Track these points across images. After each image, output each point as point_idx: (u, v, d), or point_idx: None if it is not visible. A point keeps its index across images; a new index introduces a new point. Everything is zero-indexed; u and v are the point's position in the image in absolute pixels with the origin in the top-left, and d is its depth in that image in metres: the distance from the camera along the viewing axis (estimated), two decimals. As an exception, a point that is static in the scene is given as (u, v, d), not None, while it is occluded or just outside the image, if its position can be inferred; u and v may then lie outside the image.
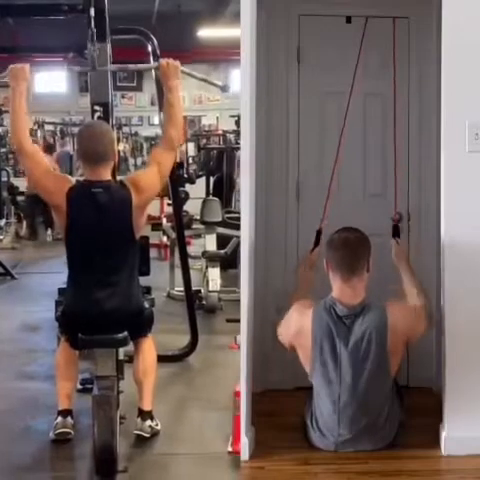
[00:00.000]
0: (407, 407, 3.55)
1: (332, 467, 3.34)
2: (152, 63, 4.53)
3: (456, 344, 3.38)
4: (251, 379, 3.41)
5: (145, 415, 3.63)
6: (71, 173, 11.21)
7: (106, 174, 3.41)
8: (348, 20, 4.12)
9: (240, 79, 3.33)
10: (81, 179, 3.48)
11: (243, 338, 3.36)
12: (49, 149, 12.46)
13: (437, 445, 3.43)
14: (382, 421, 3.41)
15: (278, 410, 3.66)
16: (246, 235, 3.37)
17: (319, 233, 3.79)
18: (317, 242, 3.78)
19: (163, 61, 3.58)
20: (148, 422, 3.62)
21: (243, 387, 3.36)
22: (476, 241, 3.35)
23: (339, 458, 3.37)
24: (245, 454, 3.35)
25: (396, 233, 3.82)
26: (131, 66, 4.15)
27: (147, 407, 3.65)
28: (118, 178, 3.55)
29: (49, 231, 9.84)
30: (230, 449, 3.44)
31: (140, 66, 4.42)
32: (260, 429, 3.49)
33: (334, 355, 3.34)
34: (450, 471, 3.33)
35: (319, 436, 3.43)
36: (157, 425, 3.67)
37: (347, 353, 3.33)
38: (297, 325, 3.43)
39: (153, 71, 4.83)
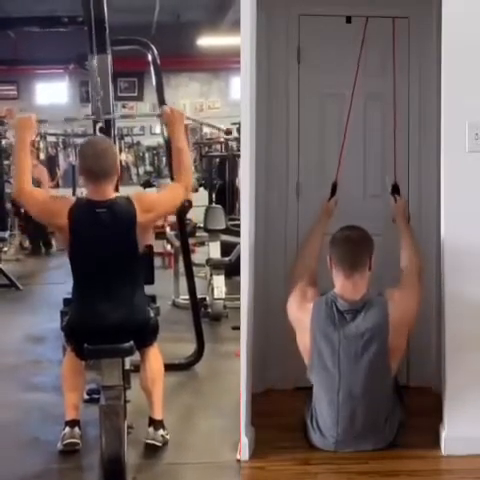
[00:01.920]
0: (407, 407, 3.55)
1: (332, 467, 3.34)
2: (158, 110, 3.91)
3: (456, 344, 3.38)
4: (251, 381, 3.41)
5: (157, 424, 3.62)
6: (74, 185, 11.24)
7: (110, 191, 3.40)
8: (348, 20, 4.13)
9: (240, 80, 3.31)
10: (83, 196, 3.48)
11: (243, 340, 3.36)
12: (51, 161, 12.48)
13: (437, 445, 3.43)
14: (382, 421, 3.41)
15: (278, 410, 3.66)
16: (246, 241, 3.37)
17: (335, 185, 3.94)
18: (333, 193, 3.92)
19: (167, 108, 3.61)
20: (160, 431, 3.61)
21: (243, 388, 3.36)
22: (476, 241, 3.35)
23: (339, 458, 3.37)
24: (245, 454, 3.36)
25: (395, 190, 3.90)
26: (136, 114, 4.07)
27: (158, 416, 3.64)
28: (125, 194, 3.51)
29: (53, 241, 9.82)
30: (239, 457, 3.42)
31: (145, 114, 4.30)
32: (260, 429, 3.48)
33: (333, 351, 3.34)
34: (450, 471, 3.32)
35: (319, 436, 3.44)
36: (167, 434, 3.66)
37: (346, 350, 3.33)
38: (295, 316, 3.47)
39: (153, 80, 4.84)
